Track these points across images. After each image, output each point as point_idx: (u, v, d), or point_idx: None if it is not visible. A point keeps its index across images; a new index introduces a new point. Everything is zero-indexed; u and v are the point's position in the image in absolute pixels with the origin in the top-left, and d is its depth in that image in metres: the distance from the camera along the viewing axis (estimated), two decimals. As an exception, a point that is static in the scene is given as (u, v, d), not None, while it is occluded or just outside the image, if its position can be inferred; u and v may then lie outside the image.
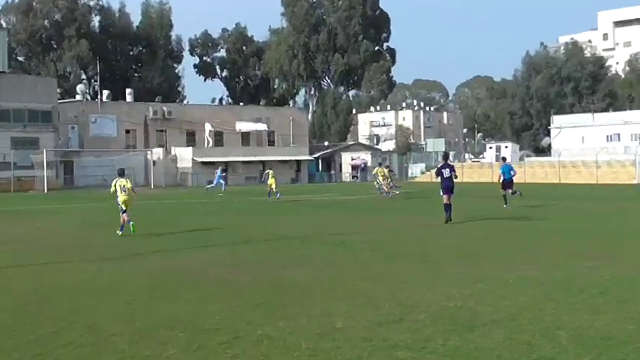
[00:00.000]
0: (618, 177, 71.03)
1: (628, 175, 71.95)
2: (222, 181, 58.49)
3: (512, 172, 32.72)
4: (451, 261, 15.70)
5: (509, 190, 32.26)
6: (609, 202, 36.25)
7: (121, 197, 23.10)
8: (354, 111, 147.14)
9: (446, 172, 26.16)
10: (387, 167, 49.48)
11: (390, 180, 46.38)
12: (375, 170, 48.32)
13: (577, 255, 16.51)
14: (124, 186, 23.21)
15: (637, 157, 72.96)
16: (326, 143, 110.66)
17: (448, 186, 26.04)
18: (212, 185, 58.52)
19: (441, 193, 26.37)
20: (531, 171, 78.46)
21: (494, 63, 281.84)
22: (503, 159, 37.57)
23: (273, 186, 49.30)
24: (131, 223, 22.29)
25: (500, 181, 32.65)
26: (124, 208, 22.89)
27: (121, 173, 23.72)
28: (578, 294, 11.49)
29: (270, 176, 49.77)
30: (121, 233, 22.46)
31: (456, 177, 26.42)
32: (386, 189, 45.06)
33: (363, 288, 12.47)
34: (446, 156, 28.11)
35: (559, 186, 64.34)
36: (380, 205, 35.47)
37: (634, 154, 75.93)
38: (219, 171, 60.78)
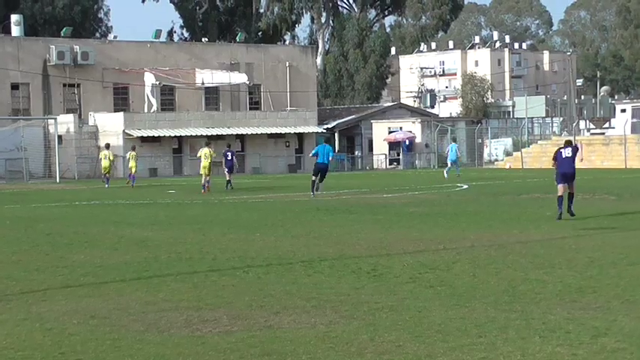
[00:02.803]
0: None
1: None
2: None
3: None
4: (560, 303, 13.03)
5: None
6: None
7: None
8: (392, 51, 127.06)
9: (566, 152, 24.63)
10: None
11: None
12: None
13: None
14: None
15: None
16: (347, 106, 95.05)
17: (566, 172, 24.50)
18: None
19: (556, 182, 24.77)
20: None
21: None
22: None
23: (133, 170, 50.04)
24: None
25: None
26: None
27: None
28: None
29: (131, 158, 49.86)
30: None
31: (581, 160, 24.49)
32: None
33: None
34: (570, 143, 25.65)
35: None
36: (453, 209, 30.21)
37: None
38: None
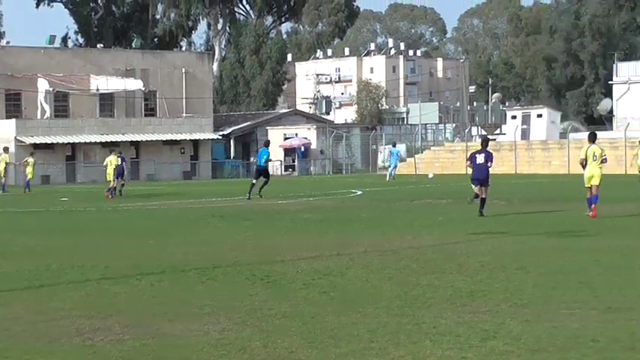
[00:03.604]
0: None
1: None
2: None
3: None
4: (451, 307, 13.19)
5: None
6: None
7: None
8: (289, 58, 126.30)
9: (480, 158, 26.86)
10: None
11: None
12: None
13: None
14: None
15: None
16: (243, 113, 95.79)
17: (479, 177, 26.97)
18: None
19: (472, 185, 27.40)
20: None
21: None
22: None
23: (30, 176, 51.01)
24: None
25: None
26: None
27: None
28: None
29: (28, 164, 50.74)
30: None
31: (491, 166, 27.14)
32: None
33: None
34: (485, 141, 28.66)
35: (626, 179, 52.68)
36: (347, 215, 30.35)
37: None
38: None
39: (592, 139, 27.14)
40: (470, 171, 28.53)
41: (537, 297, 13.18)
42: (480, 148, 28.20)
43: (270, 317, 12.14)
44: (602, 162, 26.38)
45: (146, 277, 16.25)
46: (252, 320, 11.97)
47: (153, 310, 12.86)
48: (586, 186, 26.60)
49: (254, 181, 39.75)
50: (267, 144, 42.67)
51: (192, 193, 48.07)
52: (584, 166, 26.63)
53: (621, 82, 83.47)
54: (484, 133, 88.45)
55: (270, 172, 72.36)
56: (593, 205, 26.29)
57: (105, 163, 45.88)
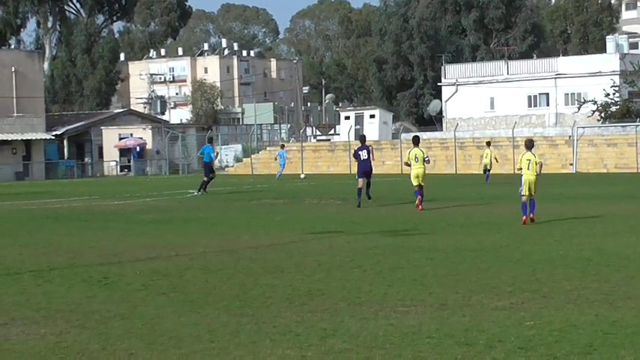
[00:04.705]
0: (546, 162, 52.44)
1: (560, 158, 63.37)
2: None
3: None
4: (290, 307, 13.50)
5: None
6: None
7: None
8: (122, 57, 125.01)
9: (363, 154, 31.02)
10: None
11: None
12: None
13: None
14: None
15: (575, 132, 62.94)
16: (76, 112, 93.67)
17: (365, 170, 30.91)
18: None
19: (357, 177, 31.36)
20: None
21: None
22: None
23: None
24: None
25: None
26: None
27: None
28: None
29: None
30: None
31: (373, 159, 31.81)
32: None
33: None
34: (363, 138, 33.10)
35: (455, 178, 56.67)
36: (184, 216, 30.40)
37: (570, 126, 66.09)
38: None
39: (416, 142, 29.92)
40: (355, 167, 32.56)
41: (374, 295, 13.38)
42: (360, 145, 32.17)
43: (108, 319, 11.99)
44: (424, 162, 29.22)
45: (-21, 281, 15.77)
46: (90, 323, 11.79)
47: (-13, 315, 12.49)
48: (414, 185, 29.15)
49: (205, 178, 41.89)
50: (210, 140, 45.90)
51: (26, 195, 46.92)
52: (409, 166, 29.57)
53: (449, 83, 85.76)
54: (319, 133, 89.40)
55: (106, 173, 71.06)
56: (419, 198, 29.01)
57: None
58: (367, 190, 31.21)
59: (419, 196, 28.99)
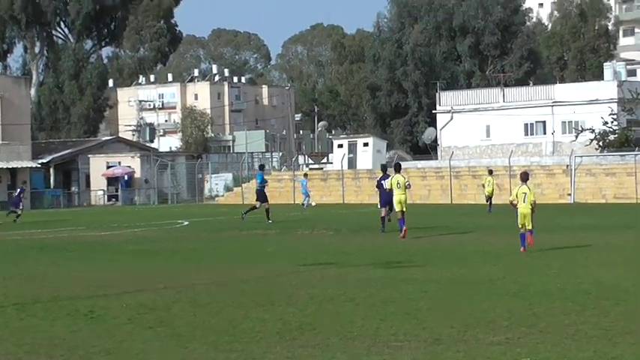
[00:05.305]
0: (543, 192, 59.39)
1: (557, 188, 63.29)
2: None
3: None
4: (280, 341, 13.30)
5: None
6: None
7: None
8: (110, 83, 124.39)
9: (387, 184, 31.83)
10: None
11: None
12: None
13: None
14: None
15: (573, 161, 63.16)
16: (63, 140, 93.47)
17: (387, 199, 31.96)
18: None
19: (379, 206, 33.22)
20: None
21: (346, 3, 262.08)
22: (261, 167, 46.09)
23: None
24: None
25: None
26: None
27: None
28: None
29: None
30: None
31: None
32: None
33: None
34: (384, 168, 35.01)
35: (451, 208, 56.47)
36: (173, 247, 30.46)
37: (568, 155, 66.07)
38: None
39: (397, 169, 31.68)
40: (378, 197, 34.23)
41: (367, 329, 13.33)
42: (382, 174, 33.98)
43: (93, 355, 11.92)
44: (406, 188, 30.74)
45: (-39, 315, 15.67)
46: (74, 358, 11.74)
47: (-32, 350, 12.41)
48: (397, 210, 30.53)
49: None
50: (261, 167, 46.95)
51: (10, 225, 46.83)
52: (392, 194, 30.98)
53: (444, 111, 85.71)
54: (311, 161, 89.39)
55: (93, 202, 71.10)
56: (404, 229, 29.80)
57: None
58: (389, 214, 32.79)
59: (404, 227, 29.81)
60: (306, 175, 64.06)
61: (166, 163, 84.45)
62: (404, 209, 30.32)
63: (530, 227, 24.09)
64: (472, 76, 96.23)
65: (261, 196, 41.82)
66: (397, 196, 30.44)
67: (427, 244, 27.85)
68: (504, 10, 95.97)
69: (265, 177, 44.60)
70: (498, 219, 39.52)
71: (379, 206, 33.57)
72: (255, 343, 12.51)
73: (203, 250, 28.50)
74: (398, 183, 30.65)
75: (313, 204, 59.15)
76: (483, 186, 51.06)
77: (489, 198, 48.98)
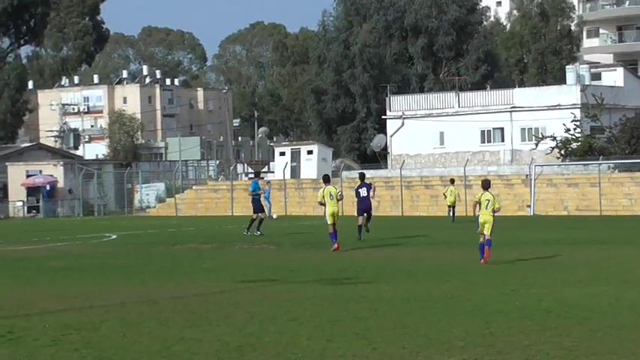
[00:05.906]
0: (501, 203, 55.96)
1: (516, 199, 63.75)
2: None
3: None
4: None
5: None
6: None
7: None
8: (30, 85, 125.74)
9: (363, 192, 34.43)
10: None
11: None
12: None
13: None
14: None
15: (533, 171, 63.21)
16: None
17: (364, 208, 34.51)
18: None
19: (357, 215, 34.95)
20: (351, 195, 63.71)
21: (288, 1, 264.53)
22: (256, 174, 42.69)
23: None
24: None
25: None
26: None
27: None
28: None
29: None
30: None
31: (373, 197, 35.52)
32: None
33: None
34: (362, 176, 36.77)
35: (402, 220, 57.40)
36: (100, 262, 30.68)
37: (527, 164, 66.06)
38: None
39: (326, 180, 32.63)
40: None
41: (312, 351, 13.37)
42: (360, 182, 35.64)
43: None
44: (338, 200, 31.90)
45: None
46: (-8, 384, 11.60)
47: None
48: (329, 223, 31.33)
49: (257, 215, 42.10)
50: (257, 175, 46.82)
51: None
52: (324, 205, 31.80)
53: (395, 116, 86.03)
54: (251, 170, 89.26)
55: (11, 214, 70.81)
56: (336, 246, 30.96)
57: None
58: (367, 223, 34.63)
59: (335, 242, 30.91)
60: (268, 182, 63.95)
61: (92, 171, 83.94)
62: (335, 222, 31.08)
63: (489, 236, 24.38)
64: (425, 80, 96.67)
65: (257, 205, 42.50)
66: (330, 208, 31.30)
67: (377, 260, 27.98)
68: (460, 8, 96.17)
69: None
70: (455, 232, 39.75)
71: (357, 215, 35.13)
72: (191, 365, 12.48)
73: (133, 265, 28.42)
74: (330, 194, 31.64)
75: (275, 216, 59.43)
76: (445, 196, 52.25)
77: (452, 207, 50.69)
